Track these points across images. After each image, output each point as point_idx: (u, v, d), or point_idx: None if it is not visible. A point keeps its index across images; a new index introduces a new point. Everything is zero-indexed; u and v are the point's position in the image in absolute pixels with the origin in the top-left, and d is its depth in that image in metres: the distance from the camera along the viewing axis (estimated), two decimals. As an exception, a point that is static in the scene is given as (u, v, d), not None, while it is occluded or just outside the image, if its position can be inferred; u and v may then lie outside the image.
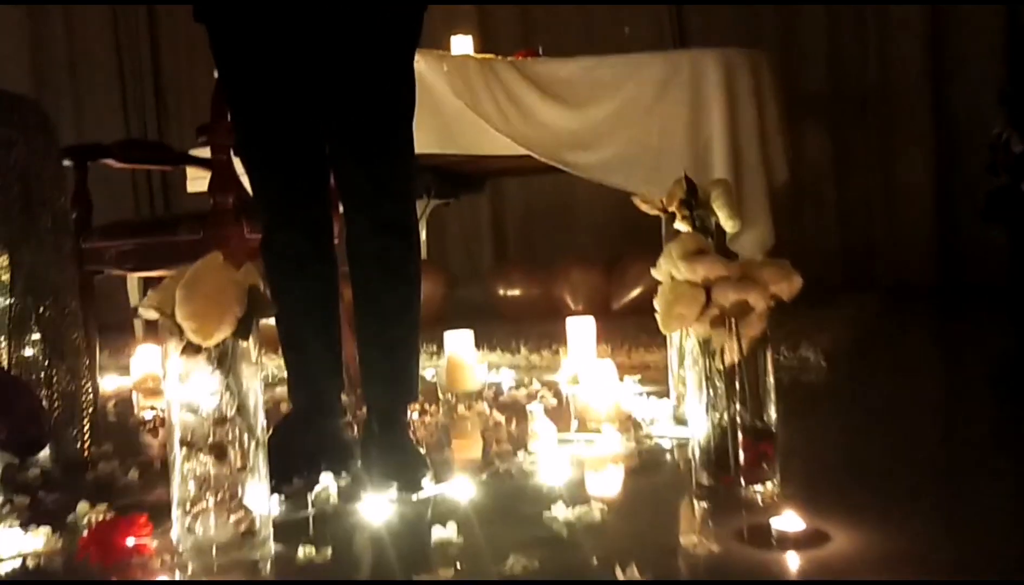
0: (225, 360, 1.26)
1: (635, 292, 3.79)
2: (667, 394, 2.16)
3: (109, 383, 3.19)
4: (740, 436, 1.43)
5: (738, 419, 1.43)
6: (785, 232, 3.67)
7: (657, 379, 2.49)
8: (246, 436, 1.31)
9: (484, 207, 5.13)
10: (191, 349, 1.23)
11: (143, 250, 2.34)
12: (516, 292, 3.97)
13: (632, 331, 3.26)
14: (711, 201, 1.94)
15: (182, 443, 1.28)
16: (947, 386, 2.61)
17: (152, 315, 1.27)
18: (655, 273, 1.50)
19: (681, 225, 1.95)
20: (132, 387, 3.03)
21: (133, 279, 3.39)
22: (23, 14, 5.02)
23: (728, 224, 1.94)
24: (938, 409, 2.29)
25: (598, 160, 3.64)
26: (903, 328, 3.65)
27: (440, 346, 3.18)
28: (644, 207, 2.03)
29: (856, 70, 4.62)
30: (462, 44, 3.83)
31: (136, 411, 2.69)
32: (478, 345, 3.20)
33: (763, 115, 3.66)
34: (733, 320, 1.39)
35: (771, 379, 1.46)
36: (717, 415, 1.45)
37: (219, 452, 1.27)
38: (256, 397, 1.33)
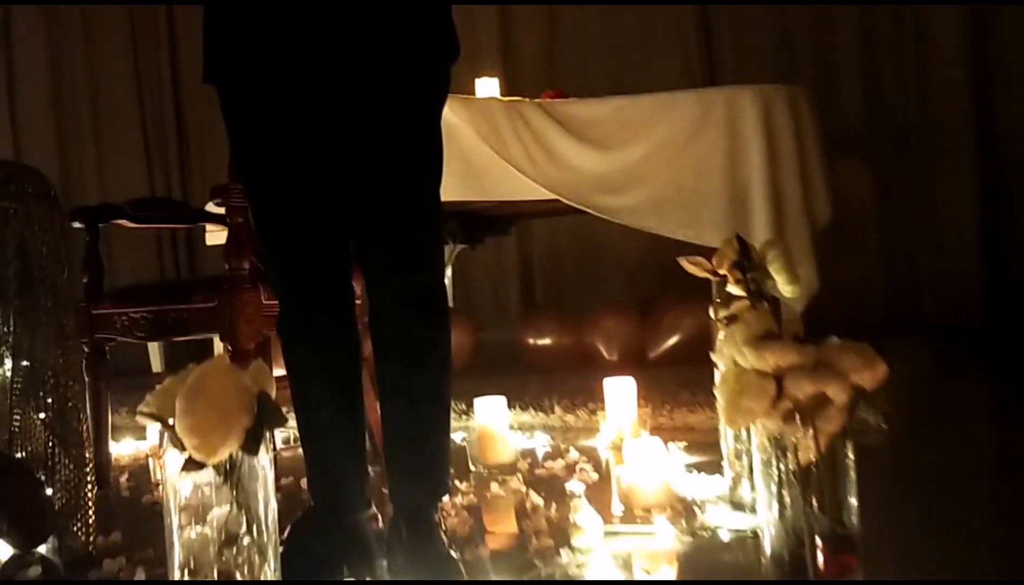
0: (233, 475, 1.10)
1: (672, 340, 3.62)
2: (718, 465, 1.97)
3: (125, 447, 3.06)
4: (818, 544, 1.25)
5: (815, 525, 1.25)
6: (827, 275, 3.50)
7: (704, 444, 2.32)
8: (257, 557, 1.15)
9: (510, 248, 4.99)
10: (193, 465, 1.08)
11: (156, 318, 2.20)
12: (547, 341, 3.81)
13: (671, 385, 3.09)
14: (767, 263, 1.77)
15: (183, 568, 1.13)
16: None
17: (150, 423, 1.12)
18: (715, 357, 1.34)
19: (734, 289, 1.78)
20: (148, 453, 2.88)
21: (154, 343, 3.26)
22: (45, 64, 4.97)
23: (787, 289, 1.77)
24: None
25: (630, 203, 3.49)
26: (958, 377, 3.45)
27: (469, 405, 3.04)
28: (692, 269, 1.86)
29: (896, 103, 4.44)
30: (487, 87, 3.70)
31: (152, 479, 2.55)
32: (508, 402, 3.05)
33: (804, 154, 3.49)
34: (808, 415, 1.22)
35: (853, 476, 1.28)
36: (790, 519, 1.28)
37: (226, 580, 1.11)
38: (270, 512, 1.17)
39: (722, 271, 1.80)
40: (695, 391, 2.93)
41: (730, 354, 1.29)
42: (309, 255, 1.55)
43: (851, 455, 1.27)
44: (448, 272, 3.98)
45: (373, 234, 1.51)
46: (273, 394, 1.17)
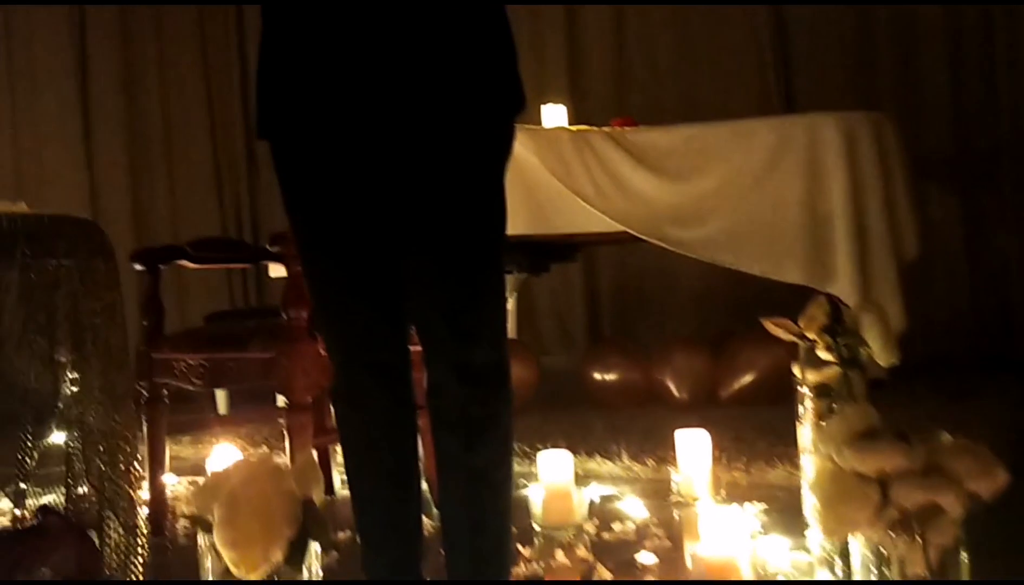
0: (276, 588, 1.01)
1: (746, 379, 3.45)
2: (802, 532, 1.82)
3: (185, 483, 3.02)
4: (926, 670, 1.11)
5: (924, 649, 1.11)
6: (913, 310, 3.30)
7: (785, 507, 2.16)
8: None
9: (576, 275, 4.86)
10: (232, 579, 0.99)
11: (213, 367, 2.15)
12: (613, 377, 3.67)
13: (747, 431, 2.93)
14: (862, 330, 1.62)
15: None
16: None
17: (193, 526, 1.03)
18: (808, 451, 1.20)
19: (823, 355, 1.64)
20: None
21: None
22: (118, 91, 5.04)
23: (883, 358, 1.62)
24: None
25: (703, 236, 3.35)
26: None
27: (532, 447, 2.93)
28: (777, 332, 1.72)
29: (985, 126, 4.19)
30: (554, 114, 3.60)
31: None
32: (573, 447, 2.92)
33: (889, 184, 3.31)
34: (918, 526, 1.08)
35: (966, 593, 1.14)
36: (895, 638, 1.13)
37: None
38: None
39: (810, 335, 1.66)
40: (773, 440, 2.77)
41: (826, 452, 1.16)
42: (362, 319, 1.46)
43: (965, 571, 1.13)
44: (511, 302, 3.88)
45: (430, 302, 1.41)
46: (321, 495, 1.08)
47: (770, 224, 3.27)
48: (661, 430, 3.03)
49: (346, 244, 1.43)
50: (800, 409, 1.74)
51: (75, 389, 1.59)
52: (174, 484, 2.84)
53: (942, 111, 4.24)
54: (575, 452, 2.83)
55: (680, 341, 3.70)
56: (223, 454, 2.89)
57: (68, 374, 1.60)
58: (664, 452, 2.65)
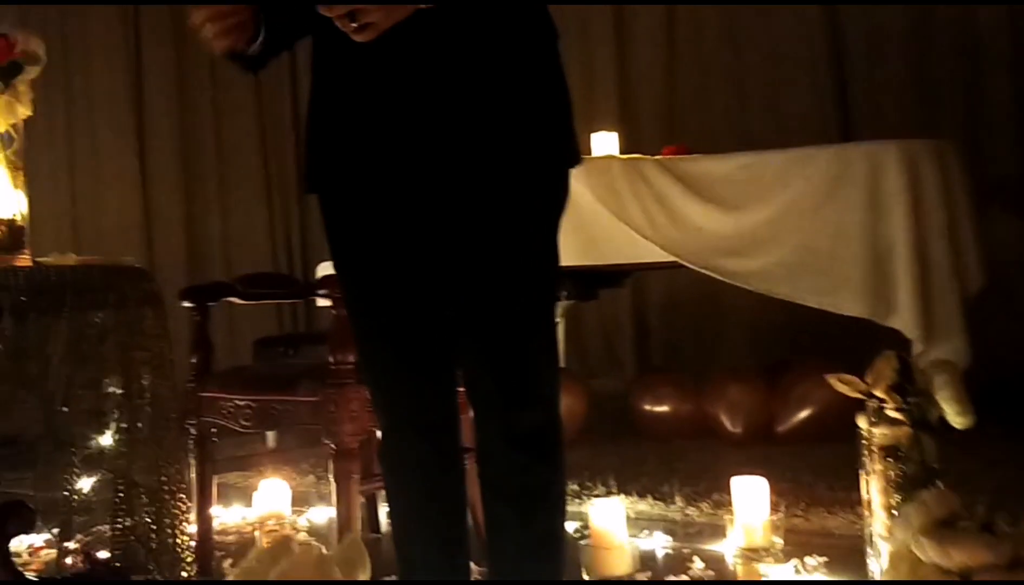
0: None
1: (803, 414, 3.35)
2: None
3: (233, 514, 3.01)
4: None
5: None
6: (976, 343, 3.17)
7: (848, 560, 2.07)
8: None
9: (624, 297, 4.78)
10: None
11: (260, 408, 2.13)
12: (663, 408, 3.59)
13: (804, 471, 2.83)
14: (934, 389, 1.54)
15: None
16: None
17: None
18: (884, 541, 1.12)
19: (892, 415, 1.56)
20: (253, 527, 2.83)
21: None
22: (172, 116, 5.10)
23: (957, 421, 1.53)
24: None
25: (759, 268, 3.26)
26: None
27: (582, 485, 2.87)
28: (842, 388, 1.64)
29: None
30: (605, 142, 3.54)
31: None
32: (623, 486, 2.86)
33: (953, 214, 3.18)
34: (1005, 626, 1.00)
35: None
36: None
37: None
38: None
39: (879, 393, 1.58)
40: (832, 482, 2.67)
41: (903, 539, 1.08)
42: (410, 380, 1.42)
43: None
44: (560, 329, 3.82)
45: (480, 361, 1.36)
46: (367, 574, 1.03)
47: (828, 255, 3.17)
48: (715, 468, 2.95)
49: (395, 304, 1.39)
50: (865, 464, 1.66)
51: (122, 439, 1.57)
52: (221, 517, 2.83)
53: (1006, 134, 4.09)
54: (626, 492, 2.79)
55: (733, 372, 3.61)
56: (271, 488, 2.88)
57: (115, 424, 1.58)
58: (719, 495, 2.57)
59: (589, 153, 3.52)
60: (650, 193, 3.26)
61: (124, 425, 1.57)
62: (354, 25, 1.19)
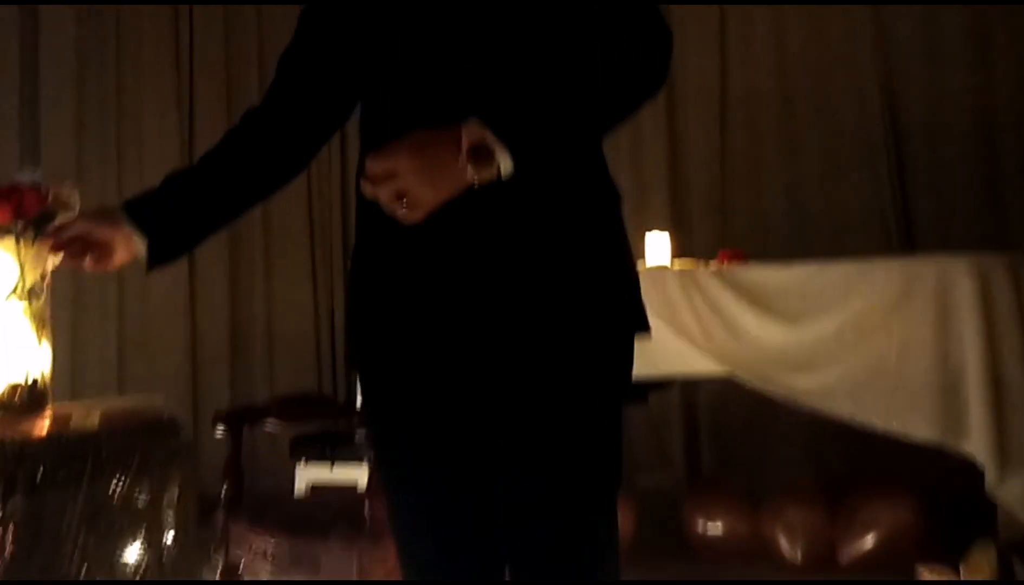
0: None
1: (868, 541, 3.14)
2: None
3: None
4: None
5: None
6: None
7: None
8: None
9: (674, 395, 4.61)
10: None
11: (291, 550, 2.01)
12: (717, 527, 3.40)
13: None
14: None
15: None
16: None
17: None
18: None
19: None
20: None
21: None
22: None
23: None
24: None
25: (820, 384, 3.09)
26: None
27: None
28: (931, 577, 1.47)
29: None
30: (658, 242, 3.42)
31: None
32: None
33: (1029, 332, 3.00)
34: None
35: None
36: None
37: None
38: None
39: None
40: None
41: None
42: (449, 573, 1.28)
43: None
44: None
45: (529, 559, 1.22)
46: None
47: (895, 373, 3.00)
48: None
49: (436, 491, 1.26)
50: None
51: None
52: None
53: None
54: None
55: (792, 491, 3.41)
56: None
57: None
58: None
59: (642, 254, 3.41)
60: (706, 304, 3.13)
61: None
62: (400, 207, 1.09)
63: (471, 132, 1.09)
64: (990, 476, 2.85)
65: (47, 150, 4.59)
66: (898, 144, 4.20)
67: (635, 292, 1.26)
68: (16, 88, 4.48)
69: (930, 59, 4.19)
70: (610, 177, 1.26)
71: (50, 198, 1.38)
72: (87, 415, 1.46)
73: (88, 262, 1.28)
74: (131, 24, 4.90)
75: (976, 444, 2.90)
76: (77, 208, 1.44)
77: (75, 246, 1.26)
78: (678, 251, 3.45)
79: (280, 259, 5.22)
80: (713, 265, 3.29)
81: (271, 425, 2.25)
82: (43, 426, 1.38)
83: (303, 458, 3.37)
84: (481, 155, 1.09)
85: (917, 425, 2.97)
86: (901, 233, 4.07)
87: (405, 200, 1.08)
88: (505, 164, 1.09)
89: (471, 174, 1.09)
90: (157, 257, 1.29)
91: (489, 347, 1.20)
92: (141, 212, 1.28)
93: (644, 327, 1.26)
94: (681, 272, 3.16)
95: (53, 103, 4.67)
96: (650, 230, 3.49)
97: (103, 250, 1.28)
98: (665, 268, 3.23)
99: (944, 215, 4.09)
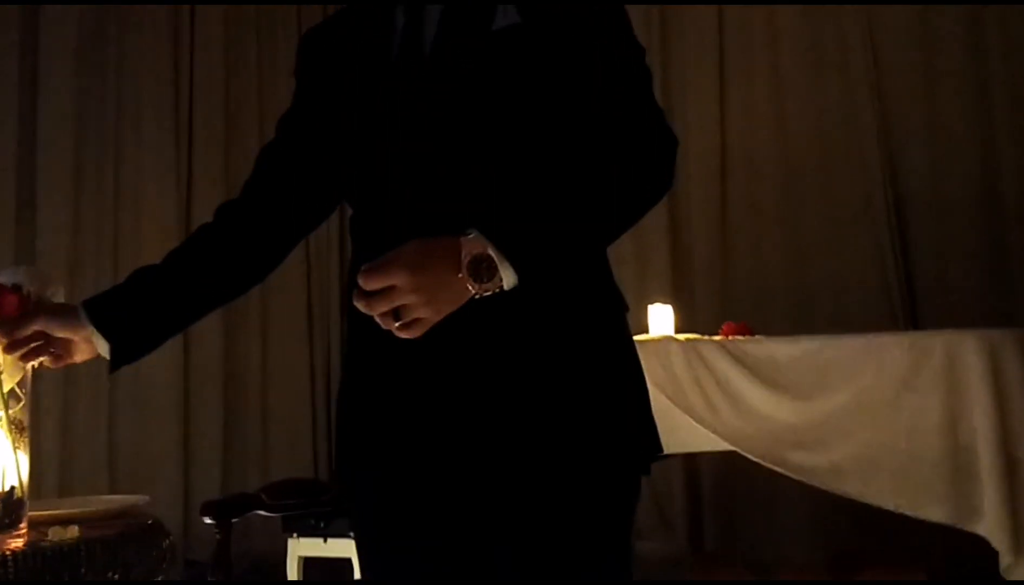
0: None
1: (878, 623, 3.04)
2: None
3: None
4: None
5: None
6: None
7: None
8: None
9: (677, 463, 4.52)
10: None
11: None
12: (724, 606, 3.30)
13: None
14: None
15: None
16: None
17: None
18: None
19: None
20: None
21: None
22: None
23: None
24: None
25: (827, 463, 3.02)
26: None
27: None
28: None
29: None
30: (661, 314, 3.36)
31: None
32: None
33: (1041, 411, 2.93)
34: None
35: None
36: None
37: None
38: None
39: None
40: None
41: None
42: None
43: None
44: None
45: None
46: None
47: (905, 452, 2.93)
48: None
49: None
50: None
51: None
52: None
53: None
54: None
55: (799, 566, 3.32)
56: None
57: None
58: None
59: (645, 328, 3.36)
60: (711, 378, 3.07)
61: None
62: (398, 324, 1.03)
63: (472, 244, 1.03)
64: (1004, 559, 2.77)
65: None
66: (900, 212, 4.17)
67: (646, 411, 1.19)
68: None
69: (931, 129, 4.19)
70: (615, 285, 1.21)
71: (32, 299, 1.32)
72: (65, 529, 1.38)
73: (46, 361, 1.24)
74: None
75: (989, 526, 2.84)
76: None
77: (33, 345, 1.22)
78: (681, 325, 3.39)
79: (276, 315, 5.14)
80: (718, 338, 3.23)
81: (262, 513, 2.17)
82: (19, 540, 1.31)
83: (295, 533, 3.28)
84: (483, 268, 1.03)
85: (929, 507, 2.90)
86: (905, 302, 4.02)
87: (402, 317, 1.03)
88: (508, 278, 1.04)
89: (473, 289, 1.03)
90: (120, 359, 1.24)
91: (486, 474, 1.13)
92: (103, 313, 1.23)
93: (656, 451, 1.19)
94: (686, 344, 3.10)
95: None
96: (652, 302, 3.44)
97: (63, 348, 1.24)
98: (670, 338, 3.17)
99: (948, 283, 4.05)
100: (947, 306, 3.87)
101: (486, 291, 1.04)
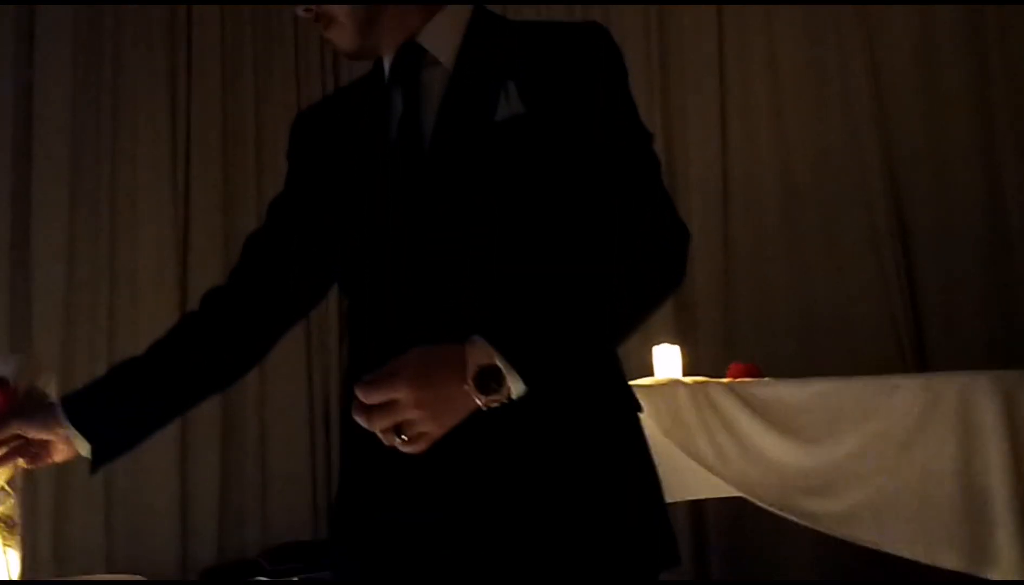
0: None
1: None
2: None
3: None
4: None
5: None
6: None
7: None
8: None
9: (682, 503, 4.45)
10: None
11: None
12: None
13: None
14: None
15: None
16: None
17: None
18: None
19: None
20: None
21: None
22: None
23: None
24: None
25: (841, 509, 2.95)
26: None
27: None
28: None
29: None
30: (667, 356, 3.31)
31: None
32: None
33: (1057, 451, 2.87)
34: None
35: None
36: None
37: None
38: None
39: None
40: None
41: None
42: None
43: None
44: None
45: None
46: None
47: (919, 497, 2.86)
48: None
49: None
50: None
51: None
52: None
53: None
54: None
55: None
56: None
57: None
58: None
59: (650, 370, 3.30)
60: (720, 423, 3.01)
61: None
62: (400, 440, 0.98)
63: (478, 353, 0.98)
64: (1021, 608, 2.70)
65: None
66: (904, 240, 4.11)
67: (662, 517, 1.14)
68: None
69: (937, 154, 4.13)
70: (626, 383, 1.15)
71: (21, 394, 1.26)
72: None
73: (24, 462, 1.19)
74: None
75: (1004, 572, 2.77)
76: (53, 397, 1.33)
77: (11, 446, 1.17)
78: (686, 366, 3.34)
79: (275, 390, 5.06)
80: (726, 381, 3.17)
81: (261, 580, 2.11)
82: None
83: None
84: (489, 379, 0.98)
85: (943, 554, 2.83)
86: (911, 332, 3.96)
87: (405, 433, 0.97)
88: (516, 388, 0.99)
89: (479, 402, 0.98)
90: (101, 459, 1.19)
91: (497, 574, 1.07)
92: (82, 412, 1.18)
93: (674, 559, 1.14)
94: (693, 388, 3.04)
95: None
96: (656, 342, 3.39)
97: (41, 448, 1.19)
98: (677, 381, 3.11)
99: (954, 311, 3.98)
100: (954, 334, 3.81)
101: (493, 402, 0.99)
